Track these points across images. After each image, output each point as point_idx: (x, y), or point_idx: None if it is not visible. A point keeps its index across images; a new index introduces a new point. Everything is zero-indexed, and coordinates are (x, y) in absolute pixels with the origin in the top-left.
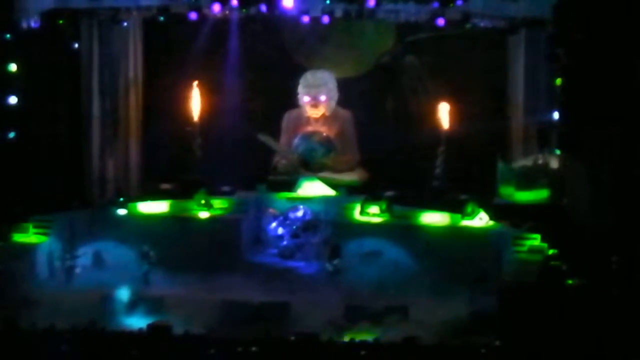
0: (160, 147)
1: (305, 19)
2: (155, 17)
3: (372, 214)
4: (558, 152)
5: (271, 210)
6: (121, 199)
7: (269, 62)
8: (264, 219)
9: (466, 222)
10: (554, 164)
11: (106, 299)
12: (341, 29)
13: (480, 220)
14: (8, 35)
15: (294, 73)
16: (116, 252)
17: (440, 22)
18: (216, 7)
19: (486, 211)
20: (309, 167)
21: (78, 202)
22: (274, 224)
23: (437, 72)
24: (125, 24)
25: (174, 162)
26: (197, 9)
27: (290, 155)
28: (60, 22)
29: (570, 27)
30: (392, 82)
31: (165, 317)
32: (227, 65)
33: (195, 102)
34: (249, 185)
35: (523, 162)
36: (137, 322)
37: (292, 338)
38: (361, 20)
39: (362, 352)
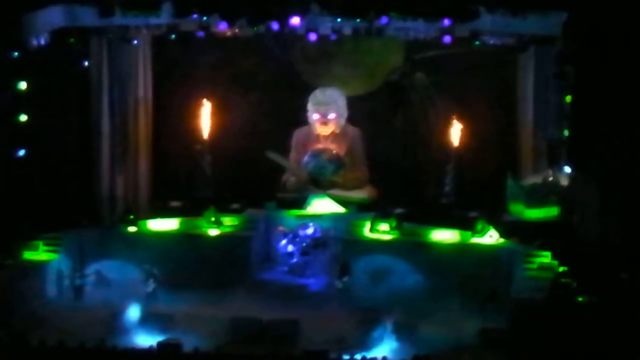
0: (170, 164)
1: (314, 36)
2: (165, 35)
3: (382, 231)
4: (568, 169)
5: (281, 228)
6: (131, 217)
7: (278, 80)
8: (274, 237)
9: (476, 240)
10: (564, 181)
11: (115, 317)
12: (350, 47)
13: (490, 237)
14: (16, 53)
15: (304, 91)
16: (125, 270)
17: (449, 39)
18: (224, 26)
19: (496, 228)
20: (319, 184)
21: (87, 220)
22: (283, 241)
23: (446, 89)
24: (135, 42)
25: (184, 180)
26: (207, 28)
27: (300, 172)
28: (70, 40)
29: (579, 44)
30: (401, 99)
31: (174, 334)
32: (236, 83)
33: (205, 120)
34: (259, 203)
35: (533, 179)
36: (147, 339)
37: (301, 355)
38: (370, 37)
39: None
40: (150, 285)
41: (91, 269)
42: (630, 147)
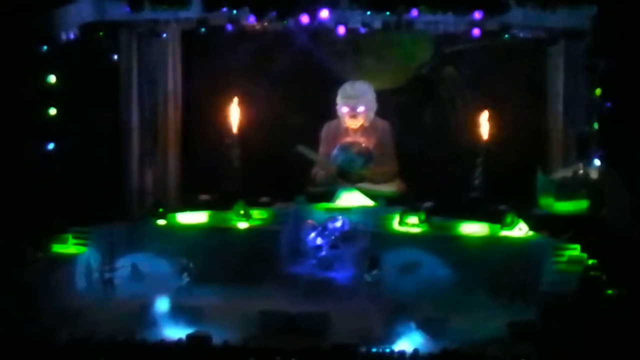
0: (199, 158)
1: (344, 30)
2: (195, 29)
3: (411, 224)
4: (598, 162)
5: (310, 221)
6: (160, 210)
7: (307, 73)
8: (303, 230)
9: (505, 233)
10: (594, 174)
11: (145, 310)
12: (380, 41)
13: (520, 230)
14: (45, 47)
15: (333, 84)
16: (155, 263)
17: (479, 33)
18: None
19: (525, 222)
20: (348, 177)
21: (118, 213)
22: (312, 235)
23: (476, 83)
24: (165, 35)
25: (213, 173)
26: (236, 21)
27: (329, 166)
28: (100, 34)
29: (609, 37)
30: (430, 93)
31: (204, 327)
32: (265, 77)
33: (234, 114)
34: (288, 196)
35: (562, 172)
36: (177, 332)
37: (330, 349)
38: (400, 31)
39: None
40: (185, 279)
41: (121, 262)
42: None
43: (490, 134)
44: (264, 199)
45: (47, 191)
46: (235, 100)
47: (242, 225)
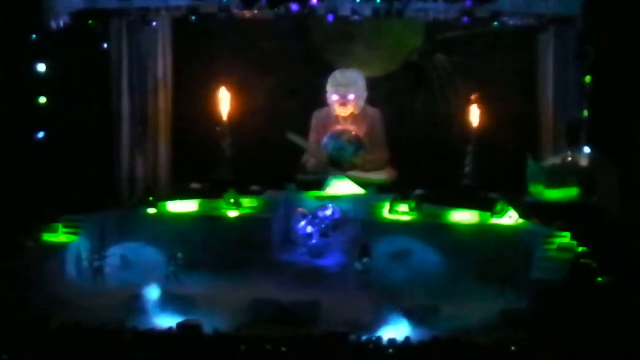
0: (190, 146)
1: (335, 17)
2: (185, 17)
3: (402, 212)
4: (588, 149)
5: (300, 209)
6: (151, 199)
7: (298, 61)
8: (294, 218)
9: (496, 221)
10: (584, 162)
11: (135, 299)
12: (370, 28)
13: (510, 218)
14: (35, 36)
15: (323, 72)
16: (145, 252)
17: (469, 20)
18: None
19: (516, 209)
20: (338, 166)
21: (108, 202)
22: (303, 223)
23: (467, 70)
24: (155, 24)
25: (204, 162)
26: (227, 9)
27: (320, 154)
28: (90, 22)
29: (599, 24)
30: (421, 80)
31: (195, 316)
32: (256, 65)
33: (225, 102)
34: (279, 185)
35: (553, 160)
36: (167, 321)
37: (322, 337)
38: (390, 19)
39: (391, 351)
40: (171, 268)
41: (111, 251)
42: None
43: (481, 122)
44: (255, 188)
45: (37, 180)
46: (226, 88)
47: (233, 213)
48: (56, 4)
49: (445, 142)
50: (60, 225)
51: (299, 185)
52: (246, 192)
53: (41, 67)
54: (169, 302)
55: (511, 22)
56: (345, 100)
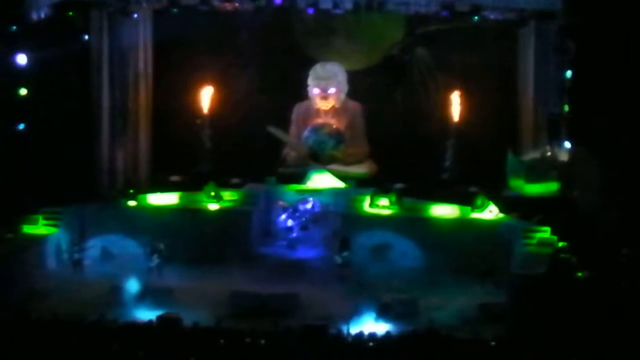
0: (170, 139)
1: (315, 10)
2: (166, 9)
3: (382, 206)
4: (568, 144)
5: (280, 203)
6: (130, 191)
7: (279, 54)
8: (274, 211)
9: (476, 215)
10: (563, 156)
11: (115, 291)
12: (351, 21)
13: (490, 212)
14: (15, 27)
15: (304, 65)
16: (125, 244)
17: (449, 14)
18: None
19: (496, 204)
20: (319, 159)
21: (88, 194)
22: (283, 216)
23: (447, 64)
24: (136, 15)
25: (184, 154)
26: (207, 1)
27: (300, 147)
28: (70, 13)
29: (579, 19)
30: (401, 74)
31: (174, 308)
32: (237, 58)
33: (205, 94)
34: (259, 178)
35: (532, 154)
36: (147, 313)
37: (301, 330)
38: (371, 12)
39: (371, 344)
40: (154, 260)
41: (91, 243)
42: (630, 122)
43: (461, 116)
44: (235, 180)
45: (17, 172)
46: (206, 81)
47: (213, 206)
48: None
49: (425, 136)
50: (40, 217)
51: (279, 178)
52: (226, 185)
53: (21, 59)
54: (148, 294)
55: (492, 17)
56: (325, 94)
